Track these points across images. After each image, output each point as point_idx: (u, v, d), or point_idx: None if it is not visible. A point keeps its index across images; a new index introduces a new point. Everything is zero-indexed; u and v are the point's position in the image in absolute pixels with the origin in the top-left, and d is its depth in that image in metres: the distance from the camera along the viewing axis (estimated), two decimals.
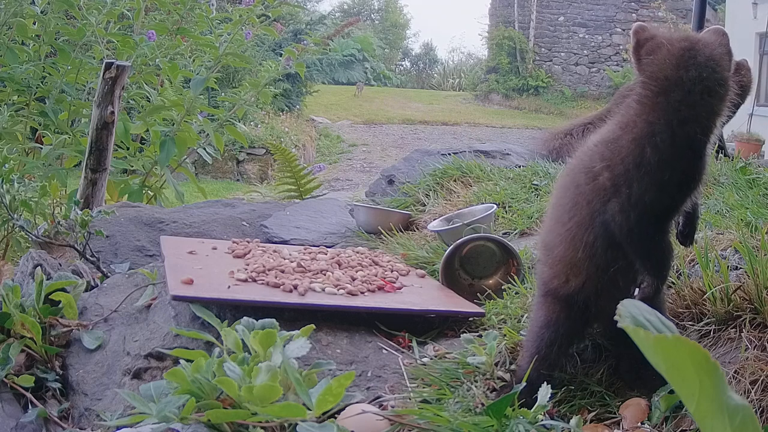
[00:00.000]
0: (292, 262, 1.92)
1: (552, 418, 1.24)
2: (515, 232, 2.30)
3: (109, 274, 2.06)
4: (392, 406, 1.33)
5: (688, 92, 1.18)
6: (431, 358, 1.51)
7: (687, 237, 1.34)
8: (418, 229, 2.54)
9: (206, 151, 3.73)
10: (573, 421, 1.20)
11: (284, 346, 1.29)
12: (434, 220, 2.41)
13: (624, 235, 1.23)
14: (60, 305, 1.71)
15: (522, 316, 1.58)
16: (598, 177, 1.24)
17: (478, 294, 1.83)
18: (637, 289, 1.31)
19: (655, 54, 1.22)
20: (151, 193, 3.64)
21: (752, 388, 1.21)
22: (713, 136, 1.23)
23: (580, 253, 1.27)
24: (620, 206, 1.21)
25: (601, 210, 1.24)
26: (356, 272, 1.90)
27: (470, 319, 1.71)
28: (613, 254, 1.25)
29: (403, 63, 28.65)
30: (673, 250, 1.29)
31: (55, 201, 3.25)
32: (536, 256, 1.54)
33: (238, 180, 11.36)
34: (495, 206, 2.31)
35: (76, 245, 2.09)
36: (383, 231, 2.42)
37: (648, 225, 1.22)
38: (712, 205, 2.25)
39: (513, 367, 1.41)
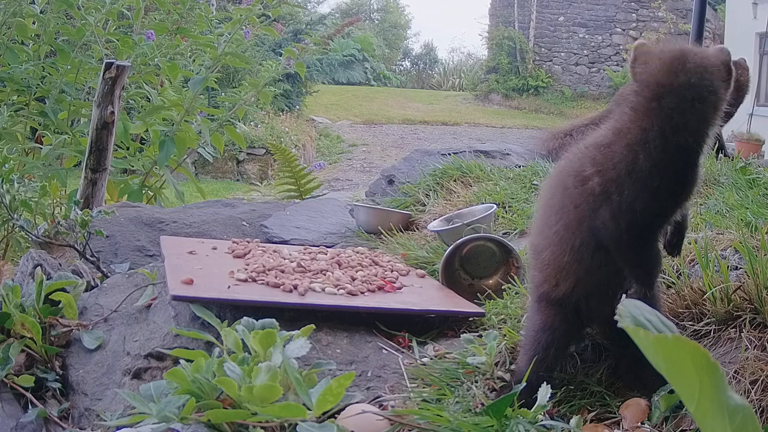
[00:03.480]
0: (292, 262, 1.92)
1: (552, 418, 1.24)
2: (515, 232, 2.30)
3: (109, 274, 2.06)
4: (392, 406, 1.33)
5: (680, 98, 1.18)
6: (431, 358, 1.51)
7: (675, 247, 1.34)
8: (418, 229, 2.54)
9: (206, 150, 3.73)
10: (573, 421, 1.20)
11: (284, 346, 1.29)
12: (434, 220, 2.41)
13: (613, 242, 1.23)
14: (60, 305, 1.71)
15: (522, 316, 1.58)
16: (588, 181, 1.24)
17: (478, 294, 1.83)
18: (624, 296, 1.31)
19: (648, 63, 1.23)
20: (151, 193, 3.63)
21: (752, 388, 1.21)
22: (706, 145, 1.23)
23: (567, 256, 1.27)
24: (611, 213, 1.21)
25: (590, 215, 1.24)
26: (356, 272, 1.90)
27: (470, 319, 1.71)
28: (600, 258, 1.25)
29: (403, 63, 28.58)
30: (661, 258, 1.29)
31: (55, 201, 3.25)
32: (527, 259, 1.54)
33: (238, 180, 11.34)
34: (495, 206, 2.31)
35: (76, 245, 2.09)
36: (383, 231, 2.42)
37: (637, 233, 1.22)
38: (712, 205, 2.24)
39: (513, 367, 1.41)
